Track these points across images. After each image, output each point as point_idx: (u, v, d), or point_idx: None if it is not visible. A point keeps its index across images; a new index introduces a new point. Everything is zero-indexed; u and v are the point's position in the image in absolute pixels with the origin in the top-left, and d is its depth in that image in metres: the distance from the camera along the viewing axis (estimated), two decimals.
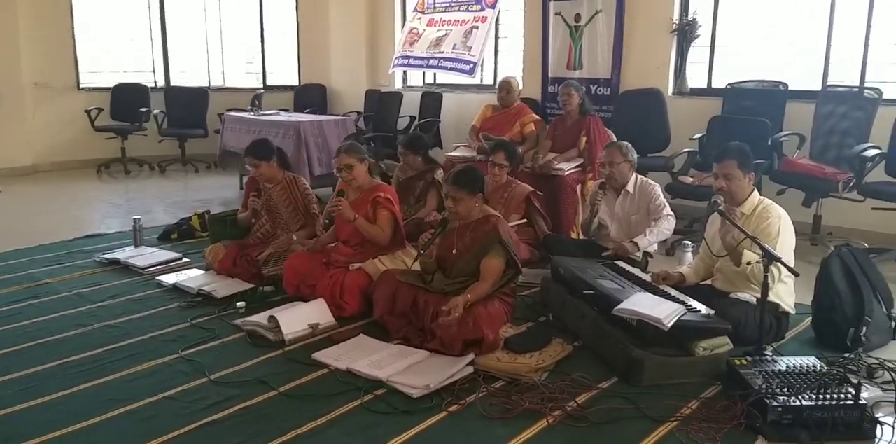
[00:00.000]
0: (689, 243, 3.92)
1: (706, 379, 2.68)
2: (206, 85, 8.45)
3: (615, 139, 4.80)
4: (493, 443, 2.28)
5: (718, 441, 2.28)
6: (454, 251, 3.17)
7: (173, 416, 2.43)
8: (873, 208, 4.36)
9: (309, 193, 3.97)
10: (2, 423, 2.37)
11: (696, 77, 5.67)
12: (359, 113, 7.66)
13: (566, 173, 4.65)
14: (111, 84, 7.85)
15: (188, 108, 7.91)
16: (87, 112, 7.46)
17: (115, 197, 6.56)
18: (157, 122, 7.77)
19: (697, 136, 5.01)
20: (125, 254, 4.37)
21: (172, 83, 8.33)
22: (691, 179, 4.61)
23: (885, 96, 4.52)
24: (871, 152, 4.30)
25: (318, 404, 2.52)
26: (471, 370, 2.73)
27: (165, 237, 4.89)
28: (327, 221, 3.69)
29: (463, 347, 2.84)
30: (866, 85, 4.72)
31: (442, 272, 3.23)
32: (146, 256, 4.33)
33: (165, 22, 8.21)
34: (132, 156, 7.76)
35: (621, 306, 2.78)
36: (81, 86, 7.78)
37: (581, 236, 4.27)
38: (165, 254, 4.35)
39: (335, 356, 2.89)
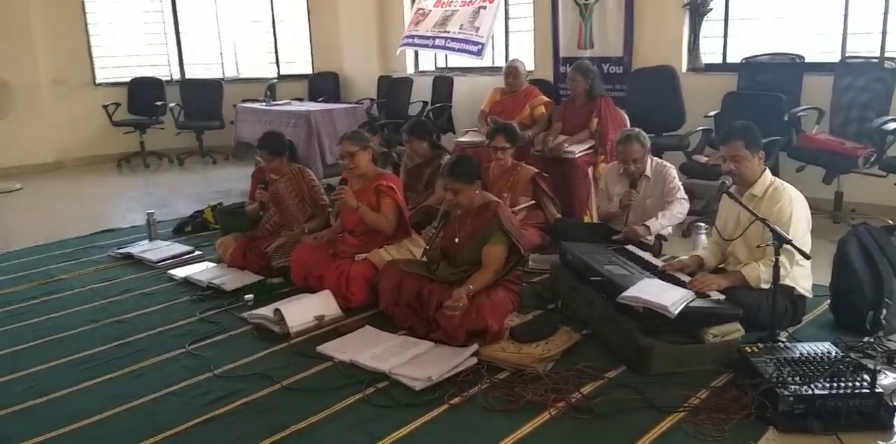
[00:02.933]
0: (703, 224, 3.82)
1: (717, 367, 2.61)
2: (221, 76, 8.46)
3: (627, 120, 4.71)
4: (494, 436, 2.24)
5: (727, 432, 2.21)
6: (457, 240, 3.13)
7: (176, 412, 2.44)
8: None
9: (315, 185, 3.95)
10: (7, 421, 2.40)
11: (710, 52, 5.50)
12: (371, 100, 7.61)
13: (577, 156, 4.56)
14: (127, 79, 7.89)
15: (204, 100, 7.94)
16: (105, 107, 7.52)
17: (134, 191, 6.63)
18: (174, 115, 7.81)
19: (712, 113, 4.87)
20: (139, 248, 4.40)
21: (187, 76, 8.35)
22: (706, 159, 4.49)
23: None
24: (892, 125, 4.13)
25: (321, 398, 2.51)
26: (475, 360, 2.70)
27: (180, 230, 4.92)
28: (331, 209, 3.67)
29: (467, 337, 2.81)
30: (886, 55, 4.53)
31: (446, 261, 3.19)
32: (159, 250, 4.36)
33: (177, 14, 8.21)
34: (151, 149, 7.83)
35: (626, 293, 2.71)
36: (98, 82, 7.84)
37: (595, 220, 4.20)
38: (178, 247, 4.38)
39: (339, 349, 2.87)
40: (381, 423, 2.33)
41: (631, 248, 3.43)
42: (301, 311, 3.15)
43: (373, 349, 2.81)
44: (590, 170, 4.59)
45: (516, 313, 3.05)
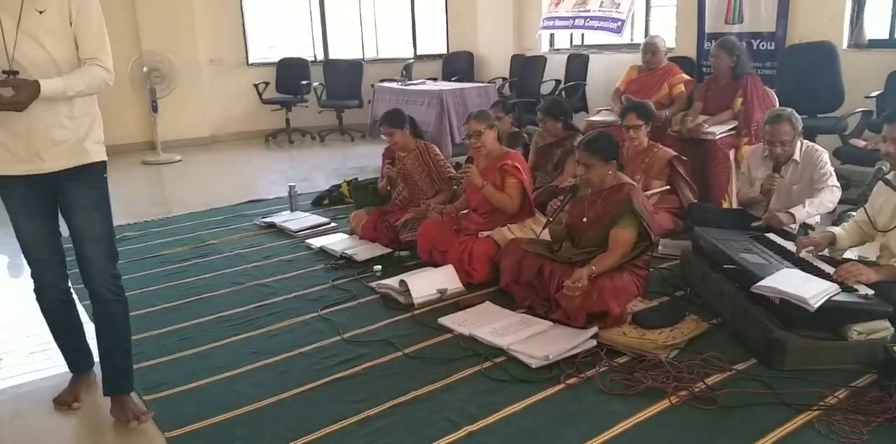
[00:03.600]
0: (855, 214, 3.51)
1: (859, 367, 2.43)
2: (361, 57, 8.75)
3: (776, 100, 4.41)
4: (610, 420, 2.21)
5: (866, 435, 2.06)
6: (584, 220, 3.08)
7: (305, 371, 2.60)
8: None
9: (441, 160, 4.03)
10: (159, 370, 2.66)
11: (875, 26, 4.99)
12: (504, 79, 7.58)
13: (718, 137, 4.34)
14: (276, 59, 8.35)
15: (345, 79, 8.26)
16: (256, 86, 8.02)
17: (279, 165, 7.05)
18: (317, 94, 8.19)
19: (874, 94, 4.44)
20: (281, 218, 4.69)
21: (331, 57, 8.71)
22: (864, 143, 4.11)
23: None
24: None
25: (439, 367, 2.58)
26: (594, 343, 2.66)
27: (318, 203, 5.19)
28: (456, 187, 3.73)
29: (587, 319, 2.78)
30: None
31: (570, 241, 3.15)
32: (299, 220, 4.62)
33: None
34: (295, 126, 8.26)
35: (762, 283, 2.56)
36: (250, 62, 8.36)
37: (734, 206, 3.98)
38: (316, 219, 4.62)
39: (460, 322, 2.94)
40: (496, 396, 2.37)
41: (771, 236, 3.23)
42: (425, 283, 3.24)
43: (492, 325, 2.85)
44: (731, 153, 4.36)
45: (641, 299, 2.96)
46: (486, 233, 3.49)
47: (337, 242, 4.12)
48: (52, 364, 2.71)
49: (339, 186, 5.29)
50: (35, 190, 2.19)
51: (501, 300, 3.16)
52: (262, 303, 3.29)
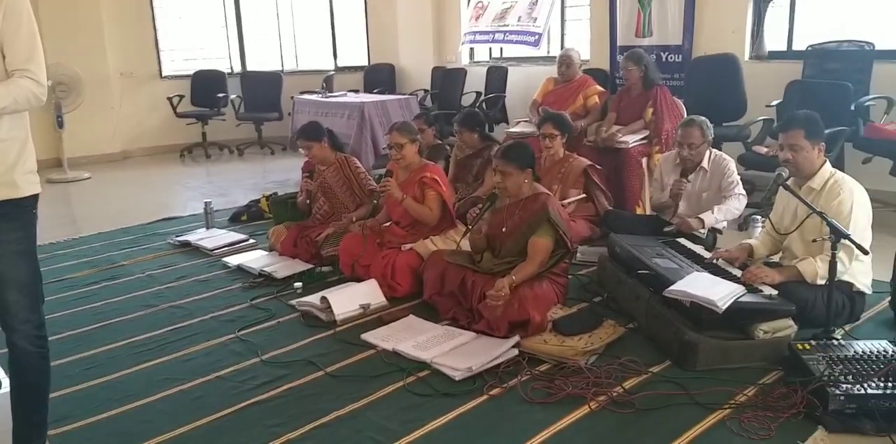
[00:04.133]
0: (760, 217, 3.68)
1: (766, 365, 2.53)
2: (280, 69, 8.62)
3: (684, 109, 4.58)
4: (533, 428, 2.23)
5: (773, 431, 2.15)
6: (503, 230, 3.11)
7: (222, 395, 2.51)
8: None
9: (361, 173, 3.99)
10: (64, 401, 2.51)
11: (774, 40, 5.28)
12: (425, 91, 7.62)
13: (631, 146, 4.47)
14: (191, 71, 8.12)
15: (263, 92, 8.10)
16: (170, 99, 7.77)
17: (195, 180, 6.84)
18: (234, 106, 8.01)
19: (774, 103, 4.69)
20: (196, 236, 4.54)
21: (248, 68, 8.54)
22: (766, 150, 4.33)
23: None
24: None
25: (362, 385, 2.54)
26: (516, 352, 2.68)
27: (236, 219, 5.05)
28: (376, 201, 3.70)
29: (509, 328, 2.80)
30: None
31: (491, 252, 3.18)
32: (215, 238, 4.48)
33: (240, 8, 8.39)
34: (212, 140, 8.04)
35: (674, 287, 2.65)
36: (164, 74, 8.09)
37: (647, 212, 4.11)
38: (233, 236, 4.50)
39: (383, 337, 2.90)
40: (419, 412, 2.35)
41: (682, 241, 3.35)
42: (347, 299, 3.19)
43: (416, 338, 2.83)
44: (643, 161, 4.50)
45: (560, 306, 3.01)
46: (408, 246, 3.48)
47: (255, 259, 4.01)
48: None
49: (258, 201, 5.17)
50: None
51: (425, 313, 3.15)
52: (176, 326, 3.17)
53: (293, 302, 3.33)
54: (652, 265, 2.96)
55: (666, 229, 3.51)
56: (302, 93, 7.47)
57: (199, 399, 2.50)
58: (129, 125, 7.87)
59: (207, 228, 4.72)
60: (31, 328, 2.00)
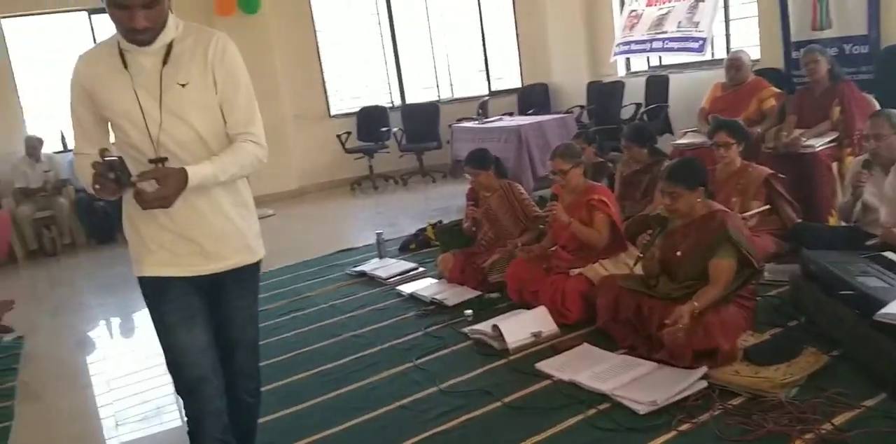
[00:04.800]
0: None
1: None
2: (437, 98, 8.89)
3: (877, 105, 4.13)
4: None
5: None
6: (678, 253, 2.93)
7: (406, 425, 2.57)
8: None
9: (525, 199, 3.98)
10: (263, 431, 2.66)
11: None
12: (581, 107, 7.50)
13: (818, 150, 4.09)
14: (356, 109, 8.61)
15: (422, 123, 8.39)
16: (339, 136, 8.27)
17: (365, 212, 7.19)
18: (397, 139, 8.36)
19: None
20: (370, 266, 4.75)
21: (407, 101, 8.90)
22: None
23: None
24: None
25: (541, 417, 2.49)
26: (704, 384, 2.50)
27: (405, 248, 5.22)
28: (542, 226, 3.66)
29: (694, 358, 2.62)
30: None
31: (667, 276, 3.01)
32: (388, 267, 4.66)
33: (397, 44, 8.80)
34: (378, 172, 8.43)
35: (886, 309, 2.35)
36: (332, 114, 8.65)
37: (841, 223, 3.71)
38: (404, 264, 4.65)
39: (558, 366, 2.84)
40: None
41: (890, 255, 2.97)
42: (518, 327, 3.16)
43: (592, 369, 2.73)
44: (834, 165, 4.11)
45: (751, 332, 2.78)
46: (577, 270, 3.39)
47: (426, 287, 4.11)
48: (167, 428, 2.80)
49: (425, 229, 5.32)
50: (196, 292, 1.92)
51: (599, 341, 3.04)
52: (359, 355, 3.31)
53: (465, 330, 3.36)
54: (856, 285, 2.65)
55: (868, 242, 3.14)
56: (459, 120, 7.64)
57: (385, 429, 2.58)
58: (303, 163, 8.45)
59: (380, 257, 4.92)
60: (254, 384, 2.14)
